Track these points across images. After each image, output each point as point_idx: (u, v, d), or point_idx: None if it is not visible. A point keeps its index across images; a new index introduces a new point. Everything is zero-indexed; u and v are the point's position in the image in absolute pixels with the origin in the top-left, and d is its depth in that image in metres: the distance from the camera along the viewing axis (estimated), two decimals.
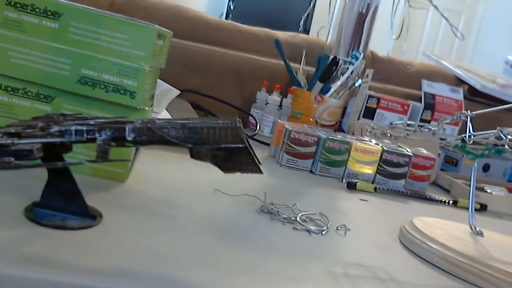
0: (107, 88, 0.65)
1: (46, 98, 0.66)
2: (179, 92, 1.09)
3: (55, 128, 0.49)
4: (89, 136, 0.49)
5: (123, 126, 0.49)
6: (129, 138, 0.49)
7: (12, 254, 0.43)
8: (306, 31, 3.96)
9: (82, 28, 0.65)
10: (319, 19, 1.74)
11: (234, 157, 0.50)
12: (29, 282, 0.41)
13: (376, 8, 1.33)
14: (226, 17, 4.18)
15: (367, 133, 0.92)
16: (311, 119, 1.22)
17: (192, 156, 0.51)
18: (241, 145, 0.49)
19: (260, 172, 0.52)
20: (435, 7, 1.60)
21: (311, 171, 1.05)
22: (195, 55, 1.37)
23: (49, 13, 0.64)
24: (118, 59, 0.65)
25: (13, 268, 0.41)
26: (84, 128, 0.49)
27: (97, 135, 0.49)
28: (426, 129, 0.63)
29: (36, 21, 0.65)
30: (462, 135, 0.64)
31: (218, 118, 0.50)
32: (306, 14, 1.64)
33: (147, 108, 0.69)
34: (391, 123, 0.65)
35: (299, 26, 1.84)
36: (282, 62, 1.40)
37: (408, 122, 0.64)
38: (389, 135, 0.71)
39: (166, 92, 1.05)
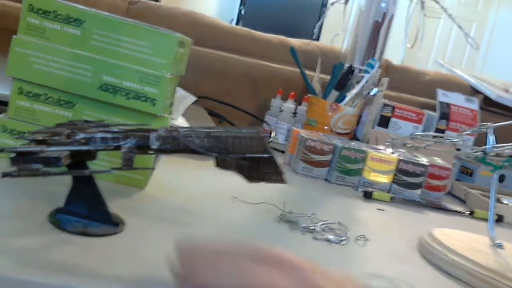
0: (128, 95, 0.65)
1: (67, 104, 0.66)
2: (196, 98, 1.09)
3: (80, 135, 0.49)
4: (114, 144, 0.49)
5: (148, 134, 0.49)
6: (154, 147, 0.49)
7: (37, 260, 0.43)
8: (316, 38, 3.97)
9: (104, 35, 0.65)
10: (329, 26, 1.74)
11: (258, 166, 0.51)
12: None
13: (392, 17, 1.33)
14: (237, 23, 4.19)
15: (386, 143, 0.92)
16: (326, 127, 1.22)
17: (217, 165, 0.51)
18: (266, 155, 0.49)
19: (284, 182, 0.52)
20: (450, 16, 1.59)
21: (326, 180, 1.04)
22: (210, 62, 1.37)
23: (72, 19, 0.65)
24: (140, 67, 0.65)
25: (38, 275, 0.41)
26: (109, 135, 0.49)
27: (122, 143, 0.49)
28: (448, 140, 0.63)
29: (59, 27, 0.65)
30: (483, 147, 0.64)
31: (241, 128, 0.50)
32: (320, 22, 1.63)
33: (166, 115, 0.69)
34: (411, 134, 0.65)
35: (313, 34, 1.84)
36: (296, 69, 1.39)
37: (430, 133, 0.63)
38: (409, 145, 0.71)
39: (183, 98, 1.05)
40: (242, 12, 4.33)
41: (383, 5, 1.31)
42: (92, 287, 0.42)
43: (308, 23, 4.23)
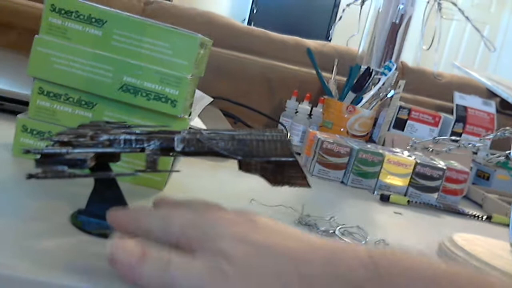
0: (149, 96, 0.65)
1: (87, 105, 0.66)
2: (212, 99, 1.08)
3: (104, 137, 0.49)
4: (138, 146, 0.49)
5: (172, 136, 0.48)
6: (178, 149, 0.48)
7: (59, 262, 0.43)
8: (328, 39, 3.96)
9: (126, 35, 0.65)
10: (342, 28, 1.73)
11: (283, 170, 0.50)
12: None
13: (410, 18, 1.32)
14: (248, 22, 4.19)
15: (408, 147, 0.91)
16: (342, 129, 1.21)
17: (240, 168, 0.51)
18: (290, 159, 0.49)
19: (308, 186, 0.52)
20: (467, 18, 1.58)
21: (342, 182, 1.04)
22: (225, 62, 1.37)
23: (93, 20, 0.65)
24: (161, 67, 0.65)
25: (60, 277, 0.41)
26: (133, 137, 0.49)
27: (145, 145, 0.48)
28: (470, 144, 0.62)
29: (80, 27, 0.65)
30: (507, 152, 0.63)
31: (265, 131, 0.49)
32: (336, 23, 1.63)
33: (187, 117, 0.69)
34: (434, 138, 0.64)
35: (329, 35, 1.83)
36: (312, 71, 1.39)
37: (452, 137, 0.63)
38: (430, 149, 0.70)
39: (199, 99, 1.05)
40: (254, 12, 4.33)
41: (401, 6, 1.30)
42: None
43: (319, 23, 4.22)
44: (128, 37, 0.65)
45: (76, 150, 0.45)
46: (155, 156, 0.48)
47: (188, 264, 0.37)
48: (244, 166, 0.50)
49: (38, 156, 0.45)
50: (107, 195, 0.51)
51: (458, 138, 0.63)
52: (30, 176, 0.43)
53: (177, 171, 0.50)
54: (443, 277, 0.36)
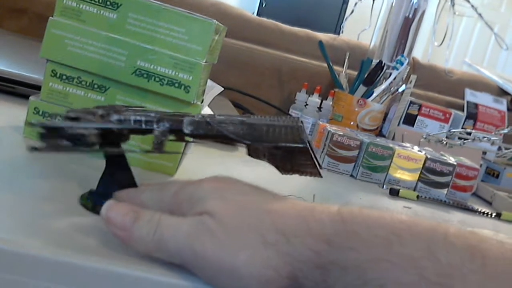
0: (162, 81, 0.65)
1: (100, 88, 0.66)
2: (222, 89, 1.08)
3: (114, 117, 0.48)
4: (147, 127, 0.48)
5: (181, 119, 0.48)
6: (186, 131, 0.47)
7: (71, 242, 0.42)
8: (337, 33, 3.93)
9: (140, 19, 0.64)
10: (351, 22, 1.72)
11: (292, 157, 0.48)
12: (88, 271, 0.40)
13: (423, 13, 1.31)
14: (257, 15, 4.17)
15: (421, 140, 0.91)
16: (352, 123, 1.21)
17: (249, 154, 0.49)
18: (301, 145, 0.47)
19: (320, 175, 0.50)
20: (480, 15, 1.57)
21: (351, 175, 1.03)
22: (236, 53, 1.36)
23: (108, 3, 0.64)
24: (175, 52, 0.64)
25: (73, 256, 0.40)
26: (143, 118, 0.48)
27: (155, 126, 0.48)
28: (485, 138, 0.61)
29: (95, 10, 0.64)
30: None
31: (279, 117, 0.48)
32: (348, 16, 1.62)
33: (199, 103, 0.68)
34: (449, 130, 0.63)
35: (337, 29, 1.82)
36: (322, 64, 1.38)
37: (467, 130, 0.62)
38: (444, 142, 0.69)
39: (210, 88, 1.04)
40: (263, 5, 4.31)
41: (414, 0, 1.29)
42: (124, 269, 0.41)
43: (328, 18, 4.20)
44: (143, 21, 0.64)
45: (79, 125, 0.44)
46: (162, 137, 0.47)
47: (176, 224, 0.41)
48: (253, 152, 0.49)
49: (42, 130, 0.45)
50: (118, 177, 0.50)
51: (472, 131, 0.63)
52: (32, 149, 0.43)
53: (183, 153, 0.49)
54: (403, 225, 0.39)
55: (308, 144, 0.48)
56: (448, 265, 0.37)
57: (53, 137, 0.45)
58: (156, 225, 0.41)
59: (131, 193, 0.47)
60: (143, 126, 0.48)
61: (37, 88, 0.86)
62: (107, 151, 0.49)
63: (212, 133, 0.48)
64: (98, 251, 0.42)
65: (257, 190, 0.45)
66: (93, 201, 0.50)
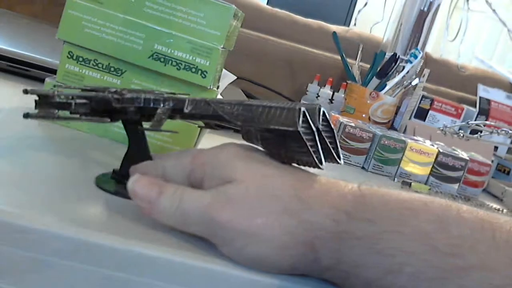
0: (179, 66, 0.64)
1: (116, 71, 0.66)
2: (235, 77, 1.08)
3: (127, 95, 0.48)
4: (154, 106, 0.48)
5: (184, 98, 0.47)
6: (186, 111, 0.47)
7: (93, 223, 0.42)
8: (347, 25, 3.91)
9: (159, 2, 0.64)
10: (362, 14, 1.71)
11: (286, 143, 0.43)
12: (114, 252, 0.40)
13: (438, 7, 1.30)
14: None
15: (438, 131, 0.90)
16: (364, 115, 1.20)
17: (243, 137, 0.46)
18: (290, 129, 0.42)
19: (318, 167, 0.44)
20: (494, 11, 1.56)
21: (363, 167, 1.03)
22: (248, 43, 1.36)
23: None
24: (192, 37, 0.64)
25: (96, 236, 0.40)
26: (152, 97, 0.48)
27: (161, 105, 0.48)
28: (503, 131, 0.61)
29: None
30: None
31: (287, 102, 0.45)
32: (362, 9, 1.61)
33: (215, 89, 0.68)
34: (467, 122, 0.63)
35: (354, 21, 1.81)
36: (334, 56, 1.38)
37: (486, 122, 0.62)
38: (461, 135, 0.69)
39: (223, 76, 1.04)
40: None
41: None
42: (145, 249, 0.41)
43: (338, 9, 4.18)
44: (161, 4, 0.64)
45: (64, 92, 0.46)
46: (163, 116, 0.46)
47: (199, 197, 0.42)
48: (245, 135, 0.45)
49: (36, 98, 0.48)
50: (138, 158, 0.50)
51: (492, 123, 0.62)
52: (26, 115, 0.46)
53: (176, 132, 0.49)
54: (418, 202, 0.40)
55: (300, 129, 0.42)
56: (459, 237, 0.38)
57: (46, 104, 0.47)
58: (179, 198, 0.42)
59: (151, 164, 0.47)
60: (152, 104, 0.47)
61: (51, 71, 0.86)
62: (93, 121, 0.49)
63: (208, 113, 0.46)
64: (117, 230, 0.42)
65: (275, 161, 0.45)
66: (112, 183, 0.50)
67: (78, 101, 0.47)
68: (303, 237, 0.40)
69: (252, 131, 0.44)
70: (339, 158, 0.47)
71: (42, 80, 0.68)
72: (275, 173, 0.42)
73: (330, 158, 0.47)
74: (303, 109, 0.43)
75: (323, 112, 0.46)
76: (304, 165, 0.45)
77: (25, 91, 0.47)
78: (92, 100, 0.48)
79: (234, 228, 0.40)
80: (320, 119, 0.45)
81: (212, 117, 0.46)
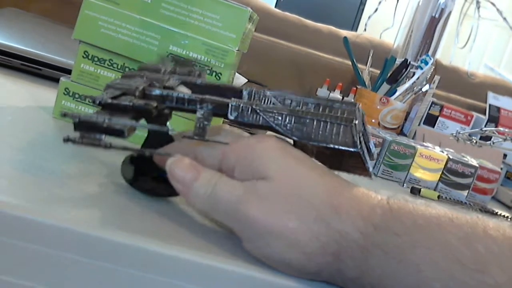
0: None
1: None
2: (246, 80, 1.08)
3: (156, 92, 0.46)
4: (190, 107, 0.45)
5: (226, 102, 0.45)
6: (231, 117, 0.45)
7: (109, 219, 0.42)
8: (355, 30, 3.92)
9: (175, 4, 0.64)
10: (373, 20, 1.71)
11: (343, 159, 0.46)
12: (128, 249, 0.40)
13: (449, 13, 1.30)
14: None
15: (450, 137, 0.90)
16: (373, 120, 1.20)
17: (295, 146, 0.46)
18: (352, 149, 0.43)
19: (370, 177, 0.48)
20: (505, 19, 1.56)
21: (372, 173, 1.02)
22: (258, 46, 1.36)
23: None
24: (208, 39, 0.64)
25: (118, 235, 0.40)
26: (186, 97, 0.46)
27: (198, 106, 0.45)
28: None
29: None
30: None
31: (333, 104, 0.44)
32: (369, 16, 1.61)
33: None
34: (481, 129, 0.63)
35: (353, 27, 1.81)
36: (344, 60, 1.38)
37: (500, 129, 0.61)
38: (474, 141, 0.69)
39: (234, 79, 1.04)
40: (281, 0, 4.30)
41: (442, 0, 1.28)
42: (160, 247, 0.41)
43: (346, 13, 4.19)
44: (177, 6, 0.64)
45: (114, 121, 0.42)
46: (205, 122, 0.45)
47: (232, 187, 0.42)
48: (300, 147, 0.45)
49: (76, 121, 0.42)
50: (160, 140, 0.48)
51: (506, 130, 0.62)
52: (67, 140, 0.42)
53: (226, 143, 0.45)
54: (445, 217, 0.40)
55: (360, 147, 0.43)
56: (485, 253, 0.38)
57: (88, 128, 0.43)
58: (213, 186, 0.42)
59: (182, 146, 0.47)
60: (186, 105, 0.46)
61: (63, 70, 0.87)
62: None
63: (257, 123, 0.45)
64: (139, 230, 0.42)
65: (311, 159, 0.44)
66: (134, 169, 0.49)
67: (128, 127, 0.43)
68: (331, 247, 0.40)
69: (308, 146, 0.45)
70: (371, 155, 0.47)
71: (53, 79, 0.68)
72: (310, 174, 0.42)
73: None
74: (355, 123, 0.43)
75: (362, 113, 0.46)
76: (356, 174, 0.48)
77: (66, 140, 0.42)
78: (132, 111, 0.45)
79: (263, 226, 0.40)
80: (363, 122, 0.45)
81: (262, 127, 0.45)
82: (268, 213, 0.40)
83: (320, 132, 0.43)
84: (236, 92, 0.47)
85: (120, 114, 0.44)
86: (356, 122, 0.43)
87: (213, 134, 0.46)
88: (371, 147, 0.47)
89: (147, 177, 0.49)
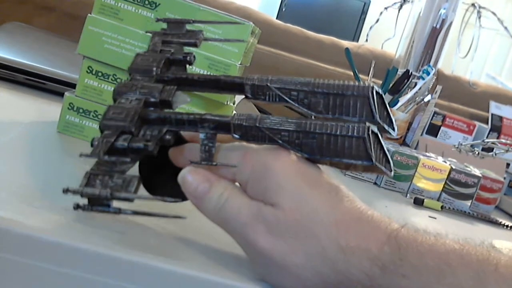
0: None
1: None
2: None
3: (153, 116, 0.45)
4: (190, 128, 0.45)
5: (227, 121, 0.43)
6: (236, 136, 0.43)
7: (113, 236, 0.43)
8: (356, 40, 3.93)
9: None
10: (374, 31, 1.72)
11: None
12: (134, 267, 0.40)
13: (450, 24, 1.31)
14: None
15: (453, 149, 0.90)
16: None
17: (308, 160, 0.45)
18: (366, 163, 0.41)
19: (389, 174, 0.45)
20: (506, 28, 1.56)
21: (375, 183, 1.03)
22: (261, 58, 1.36)
23: (147, 2, 0.65)
24: (210, 53, 0.65)
25: (125, 252, 0.40)
26: (185, 117, 0.45)
27: (199, 126, 0.44)
28: None
29: (133, 9, 0.65)
30: None
31: (345, 92, 0.42)
32: (371, 26, 1.62)
33: (232, 104, 0.68)
34: (483, 141, 0.63)
35: (354, 38, 1.82)
36: (346, 71, 1.38)
37: (502, 140, 0.62)
38: (477, 152, 0.69)
39: None
40: (283, 10, 4.32)
41: (442, 11, 1.29)
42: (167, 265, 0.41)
43: (347, 24, 4.21)
44: None
45: (117, 194, 0.42)
46: (210, 144, 0.43)
47: (241, 205, 0.42)
48: (312, 160, 0.44)
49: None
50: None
51: (508, 141, 0.62)
52: (76, 207, 0.43)
53: (234, 166, 0.44)
54: (454, 255, 0.39)
55: (375, 159, 0.41)
56: None
57: (94, 200, 0.43)
58: (224, 201, 0.42)
59: (196, 148, 0.45)
60: (186, 126, 0.45)
61: (67, 84, 0.87)
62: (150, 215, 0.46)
63: (263, 141, 0.43)
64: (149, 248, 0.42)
65: (325, 179, 0.43)
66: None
67: (118, 195, 0.43)
68: (334, 286, 0.40)
69: (320, 161, 0.44)
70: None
71: (58, 93, 0.69)
72: (321, 206, 0.41)
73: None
74: (369, 130, 0.41)
75: (379, 93, 0.43)
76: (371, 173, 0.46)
77: (76, 207, 0.43)
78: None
79: (268, 258, 0.40)
80: (377, 105, 0.42)
81: (270, 143, 0.43)
82: (275, 245, 0.40)
83: (332, 147, 0.41)
84: (238, 86, 0.47)
85: (119, 156, 0.44)
86: (370, 132, 0.40)
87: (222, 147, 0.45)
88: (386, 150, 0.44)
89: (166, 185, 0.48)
